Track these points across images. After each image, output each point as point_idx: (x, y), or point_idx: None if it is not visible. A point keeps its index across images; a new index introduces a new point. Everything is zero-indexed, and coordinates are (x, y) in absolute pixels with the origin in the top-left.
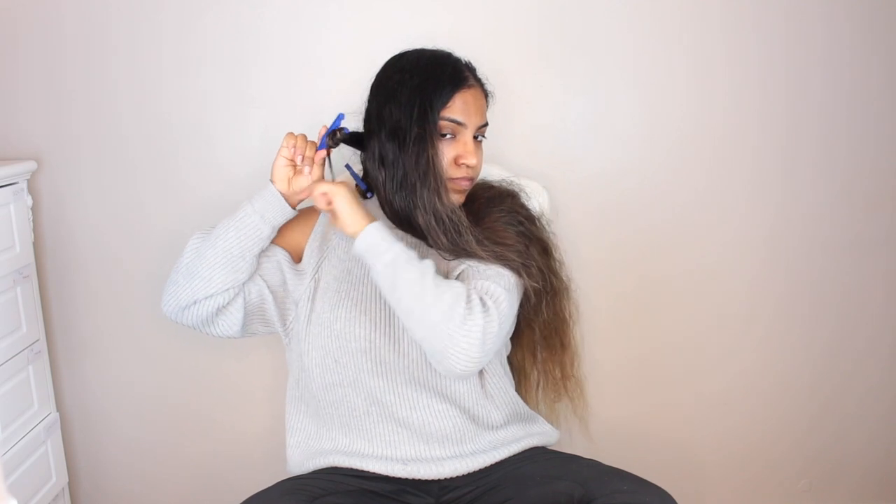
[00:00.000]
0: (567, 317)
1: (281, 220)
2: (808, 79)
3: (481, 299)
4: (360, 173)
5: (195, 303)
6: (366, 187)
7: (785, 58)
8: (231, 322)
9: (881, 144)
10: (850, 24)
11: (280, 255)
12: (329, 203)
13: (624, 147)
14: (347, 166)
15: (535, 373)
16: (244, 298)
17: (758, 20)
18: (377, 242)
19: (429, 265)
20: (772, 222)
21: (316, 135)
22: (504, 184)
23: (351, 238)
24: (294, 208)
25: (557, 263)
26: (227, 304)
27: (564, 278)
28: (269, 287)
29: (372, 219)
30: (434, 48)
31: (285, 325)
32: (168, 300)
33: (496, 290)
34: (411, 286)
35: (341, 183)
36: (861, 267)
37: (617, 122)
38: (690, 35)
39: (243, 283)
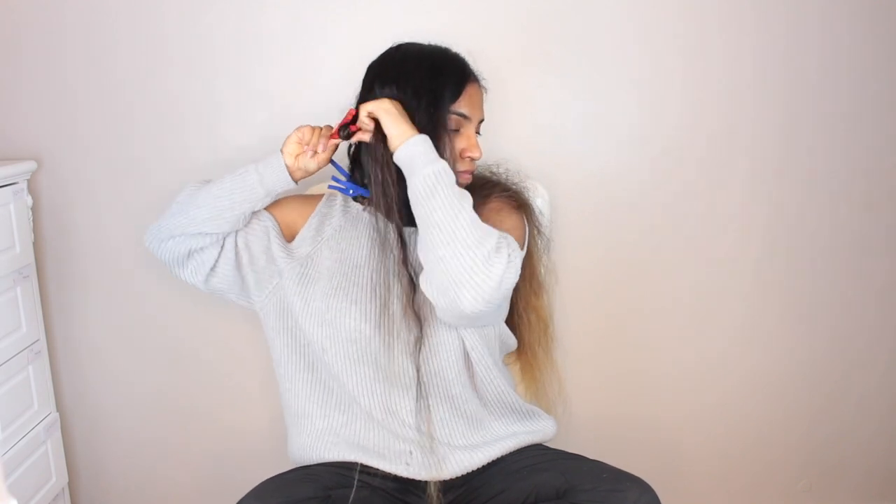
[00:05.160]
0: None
1: (278, 188)
2: (807, 79)
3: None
4: (348, 170)
5: (172, 238)
6: (348, 180)
7: (783, 58)
8: (200, 269)
9: (880, 144)
10: (850, 26)
11: (270, 223)
12: (373, 120)
13: (623, 147)
14: (332, 162)
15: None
16: (220, 251)
17: (756, 21)
18: (427, 150)
19: (469, 196)
20: (771, 221)
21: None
22: (510, 183)
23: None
24: (296, 182)
25: (537, 288)
26: (202, 249)
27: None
28: (249, 249)
29: (417, 131)
30: (429, 43)
31: (261, 289)
32: (151, 230)
33: (517, 247)
34: (451, 201)
35: (384, 100)
36: (860, 267)
37: (616, 122)
38: (689, 36)
39: (223, 236)
